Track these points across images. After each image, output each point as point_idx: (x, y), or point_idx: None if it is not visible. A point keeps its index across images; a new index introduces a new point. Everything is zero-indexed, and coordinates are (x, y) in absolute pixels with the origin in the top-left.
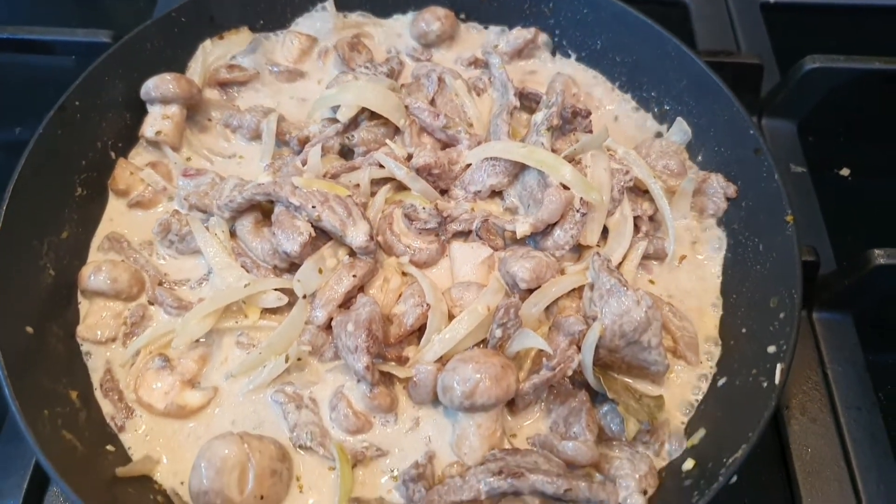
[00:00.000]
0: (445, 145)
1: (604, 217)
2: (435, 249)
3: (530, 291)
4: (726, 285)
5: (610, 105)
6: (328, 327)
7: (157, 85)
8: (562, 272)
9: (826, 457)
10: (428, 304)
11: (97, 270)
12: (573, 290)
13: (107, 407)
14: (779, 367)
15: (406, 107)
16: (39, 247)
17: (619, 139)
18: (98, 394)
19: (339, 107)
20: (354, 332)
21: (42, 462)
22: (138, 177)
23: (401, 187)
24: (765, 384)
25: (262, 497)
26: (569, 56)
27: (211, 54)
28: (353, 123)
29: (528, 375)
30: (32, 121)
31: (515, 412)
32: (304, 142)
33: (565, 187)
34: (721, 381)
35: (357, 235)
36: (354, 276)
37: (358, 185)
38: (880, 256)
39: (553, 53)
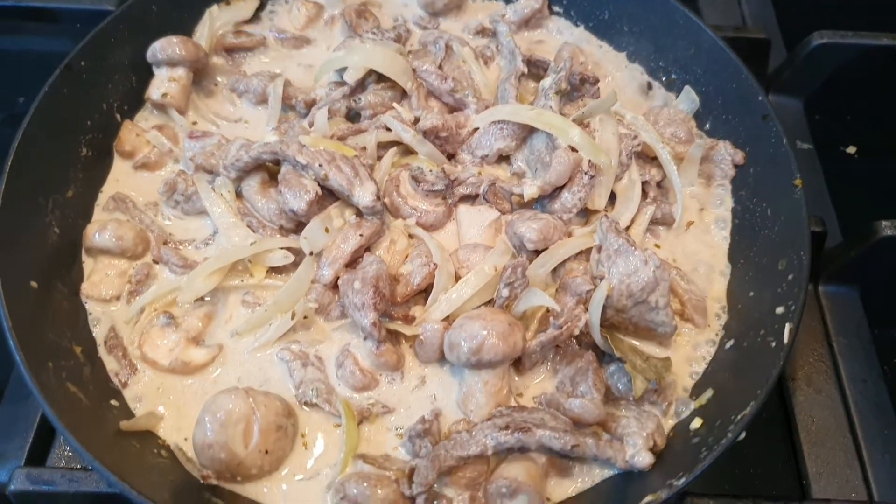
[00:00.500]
0: (453, 109)
1: (612, 181)
2: (441, 212)
3: (537, 253)
4: (734, 251)
5: (617, 74)
6: (335, 286)
7: (163, 47)
8: (569, 236)
9: (831, 427)
10: (435, 264)
11: (102, 228)
12: (580, 253)
13: (111, 363)
14: (787, 326)
15: (413, 70)
16: (45, 204)
17: (627, 108)
18: (102, 350)
19: (345, 72)
20: (361, 289)
21: (47, 412)
22: (144, 138)
23: (407, 151)
24: (773, 344)
25: (266, 451)
26: (577, 26)
27: (218, 19)
28: (360, 86)
29: (535, 336)
30: (36, 94)
31: (522, 372)
32: (310, 105)
33: (573, 150)
34: (729, 344)
35: (364, 195)
36: (361, 235)
37: (364, 148)
38: (887, 227)
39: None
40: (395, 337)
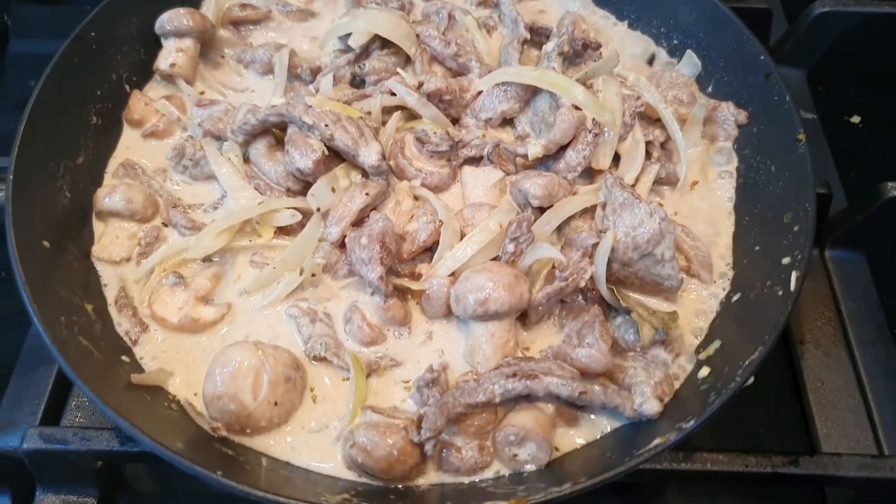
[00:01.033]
0: (456, 74)
1: (615, 141)
2: (446, 173)
3: (542, 211)
4: (739, 208)
5: (619, 41)
6: (342, 245)
7: (171, 18)
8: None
9: (841, 389)
10: (440, 221)
11: (112, 191)
12: (585, 211)
13: (122, 322)
14: (794, 274)
15: (417, 35)
16: (56, 169)
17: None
18: (112, 309)
19: (350, 38)
20: (368, 244)
21: (59, 361)
22: (153, 107)
23: (412, 116)
24: (780, 293)
25: (275, 403)
26: None
27: None
28: (365, 53)
29: (542, 289)
30: None
31: (528, 326)
32: (315, 72)
33: (577, 109)
34: (735, 297)
35: (369, 155)
36: (367, 194)
37: (369, 113)
38: (893, 189)
39: None
40: (402, 294)
